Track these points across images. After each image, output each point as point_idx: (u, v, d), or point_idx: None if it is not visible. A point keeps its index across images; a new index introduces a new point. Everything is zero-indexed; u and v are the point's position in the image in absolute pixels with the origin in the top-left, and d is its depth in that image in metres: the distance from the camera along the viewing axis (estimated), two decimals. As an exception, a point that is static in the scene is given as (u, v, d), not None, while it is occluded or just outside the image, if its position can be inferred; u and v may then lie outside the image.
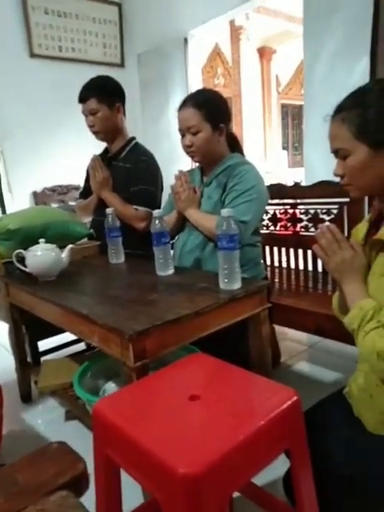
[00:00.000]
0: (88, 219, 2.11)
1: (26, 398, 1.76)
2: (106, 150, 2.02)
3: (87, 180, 2.04)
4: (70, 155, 3.51)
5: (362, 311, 0.84)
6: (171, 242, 1.62)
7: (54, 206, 3.47)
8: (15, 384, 1.75)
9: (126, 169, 1.87)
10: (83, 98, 1.83)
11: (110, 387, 1.36)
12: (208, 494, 0.62)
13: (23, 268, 1.51)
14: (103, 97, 1.81)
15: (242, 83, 7.59)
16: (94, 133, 1.89)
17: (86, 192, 2.06)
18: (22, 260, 1.51)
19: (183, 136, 1.54)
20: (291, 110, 9.09)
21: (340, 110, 0.89)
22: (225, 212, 1.18)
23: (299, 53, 2.63)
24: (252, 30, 7.26)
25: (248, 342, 1.30)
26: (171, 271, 1.44)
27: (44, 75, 3.50)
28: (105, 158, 1.95)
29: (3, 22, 3.26)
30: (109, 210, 1.69)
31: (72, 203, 3.53)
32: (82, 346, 1.96)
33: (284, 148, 9.00)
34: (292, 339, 2.30)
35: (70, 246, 1.57)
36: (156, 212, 1.42)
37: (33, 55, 3.41)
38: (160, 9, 3.63)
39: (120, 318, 1.05)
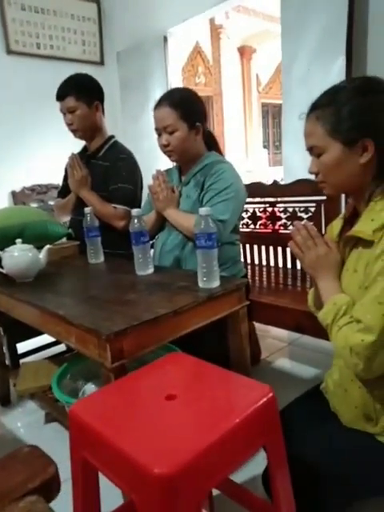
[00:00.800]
0: (66, 219, 2.09)
1: (5, 401, 1.74)
2: (84, 149, 2.00)
3: (66, 178, 2.01)
4: (49, 154, 3.46)
5: (336, 306, 0.85)
6: (151, 241, 1.62)
7: (34, 205, 3.41)
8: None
9: (105, 167, 1.86)
10: (61, 96, 1.81)
11: (90, 388, 1.35)
12: (183, 493, 0.62)
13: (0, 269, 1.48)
14: (82, 94, 1.79)
15: (222, 82, 7.61)
16: (73, 131, 1.87)
17: (64, 191, 2.04)
18: (-2, 261, 1.48)
19: (160, 135, 1.53)
20: (271, 109, 9.17)
21: (315, 107, 0.90)
22: (203, 211, 1.19)
23: (279, 52, 2.65)
24: (232, 29, 7.30)
25: (227, 340, 1.31)
26: (151, 271, 1.44)
27: (21, 72, 3.43)
28: (83, 156, 1.93)
29: (-22, 16, 3.19)
30: (87, 210, 1.68)
31: (51, 203, 3.47)
32: (62, 348, 1.94)
33: (265, 147, 9.08)
34: (273, 336, 2.32)
35: (48, 246, 1.55)
36: (135, 211, 1.41)
37: (9, 52, 3.33)
38: (139, 6, 3.60)
39: (97, 319, 1.04)
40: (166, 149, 1.53)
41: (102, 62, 3.89)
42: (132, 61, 3.71)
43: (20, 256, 1.45)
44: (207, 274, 1.22)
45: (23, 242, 1.49)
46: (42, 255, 1.51)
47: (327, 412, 1.00)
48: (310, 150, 0.93)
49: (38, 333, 1.56)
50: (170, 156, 1.56)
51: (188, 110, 1.48)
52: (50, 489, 0.46)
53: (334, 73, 2.39)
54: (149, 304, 1.12)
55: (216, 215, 1.37)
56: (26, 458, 0.51)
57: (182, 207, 1.56)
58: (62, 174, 2.07)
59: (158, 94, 3.61)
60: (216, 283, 1.22)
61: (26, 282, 1.45)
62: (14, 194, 3.40)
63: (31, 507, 0.42)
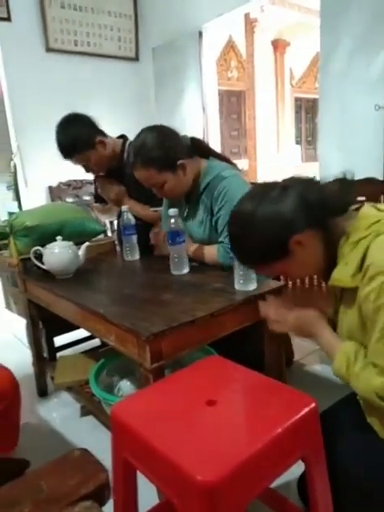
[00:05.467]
0: (108, 220, 2.11)
1: (43, 392, 1.79)
2: None
3: (97, 190, 2.00)
4: (83, 150, 3.52)
5: (345, 356, 0.84)
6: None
7: (69, 200, 3.49)
8: (32, 378, 1.78)
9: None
10: (67, 157, 1.77)
11: (125, 385, 1.37)
12: (226, 502, 0.62)
13: (41, 265, 1.53)
14: (79, 149, 1.73)
15: (255, 76, 7.50)
16: (96, 173, 1.88)
17: (99, 197, 2.06)
18: (39, 257, 1.53)
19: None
20: (305, 103, 8.96)
21: None
22: None
23: (314, 45, 2.59)
24: (266, 22, 7.15)
25: (262, 343, 1.30)
26: (186, 270, 1.44)
27: (59, 69, 3.50)
28: (113, 169, 1.89)
29: (21, 16, 3.26)
30: (124, 208, 1.70)
31: (86, 198, 3.54)
32: (96, 342, 1.98)
33: (297, 142, 8.89)
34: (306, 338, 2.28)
35: (87, 243, 1.59)
36: (171, 211, 1.42)
37: (48, 49, 3.40)
38: (175, 2, 3.59)
39: (136, 319, 1.05)
40: (165, 198, 1.55)
41: (136, 58, 3.92)
42: (167, 56, 3.71)
43: (60, 253, 1.49)
44: (244, 276, 1.21)
45: (63, 239, 1.53)
46: (81, 252, 1.54)
47: (364, 421, 0.98)
48: None
49: (74, 327, 1.61)
50: (173, 199, 1.56)
51: (163, 158, 1.38)
52: (102, 495, 0.48)
53: (377, 67, 2.31)
54: (185, 305, 1.12)
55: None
56: (78, 462, 0.52)
57: (198, 234, 1.51)
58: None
59: (192, 89, 3.62)
60: (253, 286, 1.21)
61: (66, 278, 1.49)
62: (50, 189, 3.49)
63: (87, 513, 0.43)
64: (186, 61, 3.57)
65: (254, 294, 1.17)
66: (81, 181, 3.58)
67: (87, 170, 1.84)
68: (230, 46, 7.23)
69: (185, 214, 1.56)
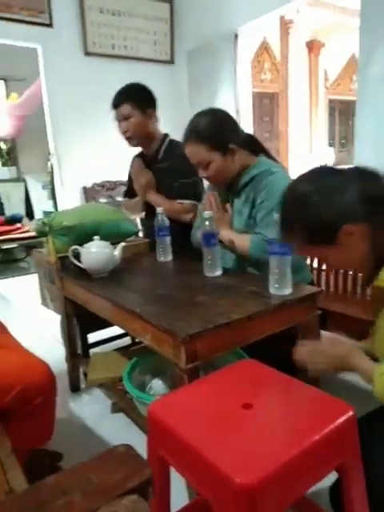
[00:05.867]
0: (135, 217, 2.15)
1: (75, 387, 1.84)
2: (142, 154, 2.03)
3: (130, 180, 2.07)
4: (118, 151, 3.56)
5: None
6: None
7: (103, 201, 3.57)
8: (65, 373, 1.83)
9: (165, 169, 1.88)
10: (117, 104, 1.84)
11: (157, 384, 1.39)
12: (262, 506, 0.62)
13: (78, 263, 1.57)
14: (136, 102, 1.81)
15: (289, 78, 7.41)
16: (128, 139, 1.89)
17: (130, 191, 2.10)
18: (77, 256, 1.57)
19: (198, 169, 1.49)
20: (338, 105, 8.77)
21: None
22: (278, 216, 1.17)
23: (350, 46, 2.54)
24: (302, 23, 7.06)
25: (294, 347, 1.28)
26: (219, 272, 1.45)
27: (96, 73, 3.59)
28: (144, 161, 1.97)
29: (62, 21, 3.37)
30: (159, 210, 1.72)
31: (119, 198, 3.61)
32: (127, 341, 2.02)
33: (330, 145, 8.72)
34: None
35: (123, 243, 1.62)
36: (206, 213, 1.42)
37: (87, 53, 3.50)
38: (210, 5, 3.61)
39: (171, 319, 1.07)
40: (208, 181, 1.52)
41: (171, 61, 3.96)
42: (201, 59, 3.73)
43: (97, 252, 1.52)
44: (279, 280, 1.20)
45: (99, 239, 1.57)
46: (117, 252, 1.58)
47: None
48: None
49: (107, 325, 1.64)
50: (215, 185, 1.55)
51: (217, 137, 1.40)
52: (146, 491, 0.49)
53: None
54: (220, 307, 1.13)
55: (270, 236, 1.33)
56: (123, 457, 0.53)
57: (235, 225, 1.52)
58: (127, 175, 2.13)
59: (226, 92, 3.62)
60: (288, 290, 1.20)
61: (102, 276, 1.53)
62: (85, 190, 3.58)
63: (134, 507, 0.44)
64: (221, 63, 3.58)
65: (289, 298, 1.17)
66: (114, 182, 3.66)
67: (123, 131, 1.87)
68: (264, 47, 7.18)
69: (229, 201, 1.55)
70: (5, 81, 5.45)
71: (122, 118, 1.85)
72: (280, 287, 1.20)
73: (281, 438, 0.70)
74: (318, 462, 0.71)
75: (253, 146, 1.54)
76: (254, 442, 0.69)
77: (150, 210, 1.93)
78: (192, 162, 1.48)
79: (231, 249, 1.50)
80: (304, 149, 7.67)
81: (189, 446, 0.69)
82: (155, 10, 3.76)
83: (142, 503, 0.46)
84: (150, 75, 3.95)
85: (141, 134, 1.87)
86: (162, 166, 1.91)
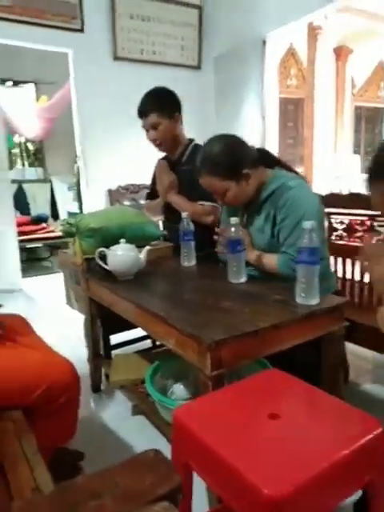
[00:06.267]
0: (156, 219, 2.17)
1: (96, 388, 1.86)
2: (166, 156, 2.04)
3: (154, 182, 2.09)
4: (142, 155, 3.62)
5: None
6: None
7: (126, 203, 3.61)
8: (87, 374, 1.85)
9: (188, 171, 1.85)
10: (144, 113, 1.84)
11: (179, 389, 1.39)
12: (292, 518, 0.61)
13: (104, 266, 1.59)
14: (163, 110, 1.82)
15: (315, 84, 7.35)
16: (157, 146, 1.91)
17: (152, 193, 2.12)
18: (103, 258, 1.59)
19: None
20: (365, 112, 8.64)
21: None
22: (307, 224, 1.16)
23: (378, 52, 2.49)
24: (330, 29, 7.00)
25: (317, 358, 1.27)
26: (244, 279, 1.44)
27: (124, 77, 3.64)
28: (169, 163, 1.98)
29: (92, 26, 3.44)
30: (184, 214, 1.73)
31: (142, 201, 3.65)
32: (148, 343, 2.03)
33: (355, 152, 8.59)
34: (360, 356, 2.20)
35: (148, 247, 1.63)
36: (233, 219, 1.42)
37: (116, 58, 3.56)
38: (240, 11, 3.62)
39: (196, 325, 1.07)
40: (227, 206, 1.54)
41: (198, 67, 3.99)
42: (228, 65, 3.75)
43: (123, 255, 1.54)
44: (306, 290, 1.19)
45: (125, 242, 1.58)
46: (142, 255, 1.59)
47: None
48: None
49: (130, 327, 1.65)
50: (232, 206, 1.55)
51: (229, 166, 1.39)
52: (176, 498, 0.49)
53: None
54: (246, 315, 1.12)
55: (295, 255, 1.30)
56: (152, 462, 0.54)
57: (258, 242, 1.50)
58: (151, 177, 2.15)
59: (252, 98, 3.62)
60: (315, 300, 1.18)
61: (127, 279, 1.54)
62: (109, 192, 3.63)
63: (166, 513, 0.45)
64: (248, 69, 3.58)
65: (316, 308, 1.15)
66: (138, 185, 3.70)
67: (152, 139, 1.88)
68: (291, 53, 7.15)
69: (244, 221, 1.55)
70: (35, 84, 5.59)
71: (150, 127, 1.86)
72: (307, 297, 1.18)
73: (309, 450, 0.69)
74: (346, 477, 0.70)
75: (266, 159, 1.54)
76: (282, 454, 0.69)
77: (170, 213, 1.94)
78: (208, 191, 1.49)
79: (262, 270, 1.48)
80: (329, 156, 7.58)
81: (215, 454, 0.69)
82: (184, 16, 3.79)
83: (174, 510, 0.46)
84: (177, 80, 3.99)
85: (169, 139, 1.89)
86: (185, 169, 1.91)
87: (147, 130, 1.89)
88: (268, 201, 1.47)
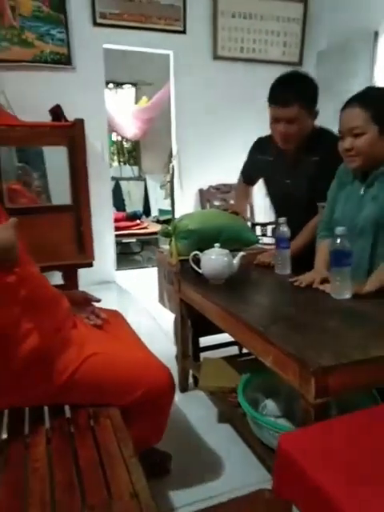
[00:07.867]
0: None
1: (183, 388, 1.87)
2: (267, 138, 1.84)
3: (251, 161, 1.97)
4: (235, 155, 3.58)
5: None
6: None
7: (216, 203, 3.60)
8: (174, 373, 1.87)
9: (314, 162, 1.67)
10: (284, 102, 1.57)
11: (271, 405, 1.34)
12: None
13: (197, 269, 1.59)
14: (307, 103, 1.58)
15: None
16: (284, 141, 1.65)
17: (248, 176, 2.04)
18: (197, 261, 1.60)
19: (342, 138, 1.36)
20: None
21: None
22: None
23: None
24: None
25: None
26: (348, 296, 1.33)
27: (222, 77, 3.62)
28: (280, 153, 1.75)
29: (194, 27, 3.47)
30: (281, 219, 1.65)
31: (232, 202, 3.61)
32: (235, 350, 1.99)
33: None
34: None
35: (242, 253, 1.60)
36: (339, 230, 1.31)
37: (216, 57, 3.55)
38: (349, 2, 3.38)
39: (299, 346, 1.00)
40: (348, 153, 1.36)
41: (299, 63, 3.82)
42: (333, 60, 3.53)
43: (217, 259, 1.53)
44: None
45: (220, 246, 1.56)
46: (236, 260, 1.56)
47: None
48: None
49: (219, 331, 1.62)
50: (350, 162, 1.38)
51: (382, 110, 1.29)
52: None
53: None
54: (356, 339, 1.03)
55: None
56: (269, 503, 0.49)
57: (367, 211, 1.38)
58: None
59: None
60: None
61: (218, 283, 1.52)
62: (201, 192, 3.65)
63: None
64: (355, 64, 3.33)
65: None
66: (230, 185, 3.67)
67: (283, 132, 1.62)
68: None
69: (362, 192, 1.41)
70: (135, 85, 5.85)
71: (285, 120, 1.59)
72: None
73: None
74: None
75: None
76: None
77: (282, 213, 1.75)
78: (343, 127, 1.35)
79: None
80: None
81: (330, 500, 0.62)
82: (288, 11, 3.65)
83: None
84: (275, 77, 3.87)
85: (301, 138, 1.63)
86: (314, 160, 1.68)
87: (277, 121, 1.62)
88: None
